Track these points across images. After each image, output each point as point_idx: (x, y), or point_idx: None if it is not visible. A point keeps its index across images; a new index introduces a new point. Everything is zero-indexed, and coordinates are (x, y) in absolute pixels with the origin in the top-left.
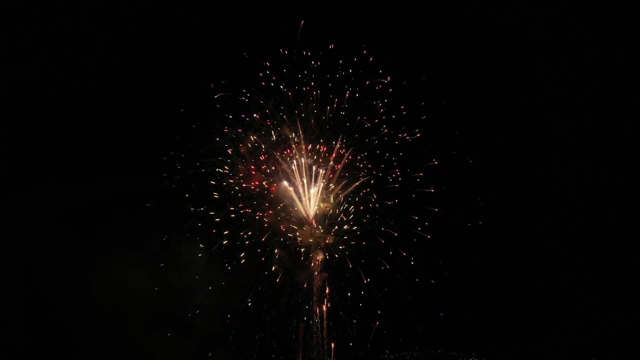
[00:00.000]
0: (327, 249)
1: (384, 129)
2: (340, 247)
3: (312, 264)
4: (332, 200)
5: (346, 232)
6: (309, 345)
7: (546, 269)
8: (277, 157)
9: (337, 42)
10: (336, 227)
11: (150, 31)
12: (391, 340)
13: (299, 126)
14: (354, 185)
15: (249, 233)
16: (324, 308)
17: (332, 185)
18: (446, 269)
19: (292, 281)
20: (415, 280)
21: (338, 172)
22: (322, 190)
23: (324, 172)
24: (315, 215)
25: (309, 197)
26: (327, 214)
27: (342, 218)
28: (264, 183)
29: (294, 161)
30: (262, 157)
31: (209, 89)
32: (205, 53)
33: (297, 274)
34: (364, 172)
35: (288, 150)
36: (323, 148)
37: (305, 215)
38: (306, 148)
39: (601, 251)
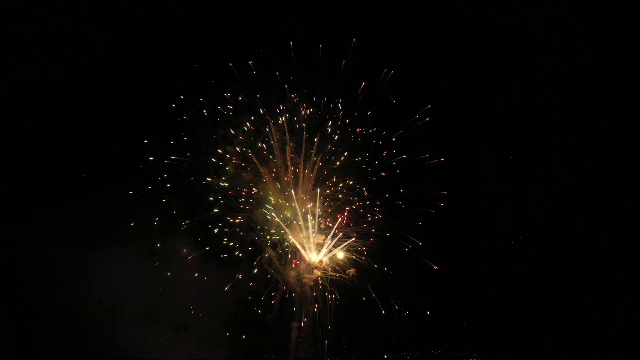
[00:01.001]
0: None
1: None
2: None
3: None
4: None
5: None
6: (303, 345)
7: (546, 269)
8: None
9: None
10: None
11: (150, 31)
12: (391, 340)
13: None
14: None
15: (240, 233)
16: (317, 307)
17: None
18: (447, 270)
19: (285, 281)
20: (414, 280)
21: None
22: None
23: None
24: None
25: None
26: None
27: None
28: (260, 186)
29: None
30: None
31: (203, 88)
32: (202, 53)
33: (288, 273)
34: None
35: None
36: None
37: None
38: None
39: (601, 251)
